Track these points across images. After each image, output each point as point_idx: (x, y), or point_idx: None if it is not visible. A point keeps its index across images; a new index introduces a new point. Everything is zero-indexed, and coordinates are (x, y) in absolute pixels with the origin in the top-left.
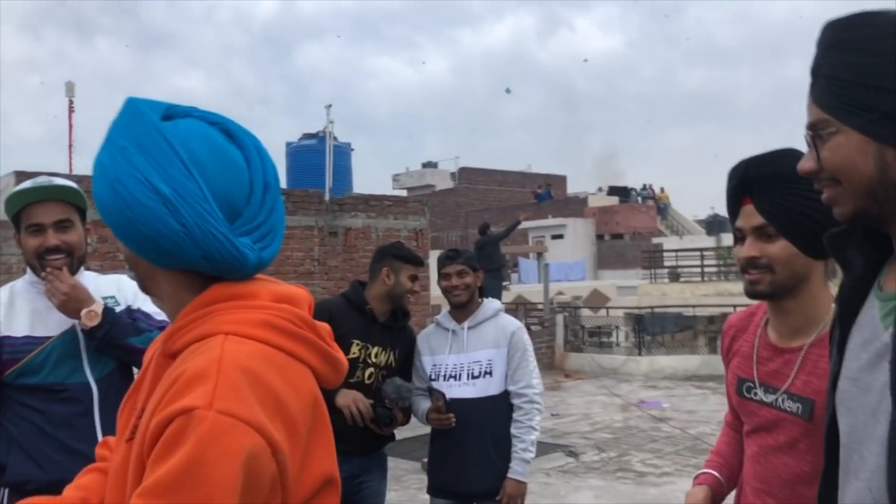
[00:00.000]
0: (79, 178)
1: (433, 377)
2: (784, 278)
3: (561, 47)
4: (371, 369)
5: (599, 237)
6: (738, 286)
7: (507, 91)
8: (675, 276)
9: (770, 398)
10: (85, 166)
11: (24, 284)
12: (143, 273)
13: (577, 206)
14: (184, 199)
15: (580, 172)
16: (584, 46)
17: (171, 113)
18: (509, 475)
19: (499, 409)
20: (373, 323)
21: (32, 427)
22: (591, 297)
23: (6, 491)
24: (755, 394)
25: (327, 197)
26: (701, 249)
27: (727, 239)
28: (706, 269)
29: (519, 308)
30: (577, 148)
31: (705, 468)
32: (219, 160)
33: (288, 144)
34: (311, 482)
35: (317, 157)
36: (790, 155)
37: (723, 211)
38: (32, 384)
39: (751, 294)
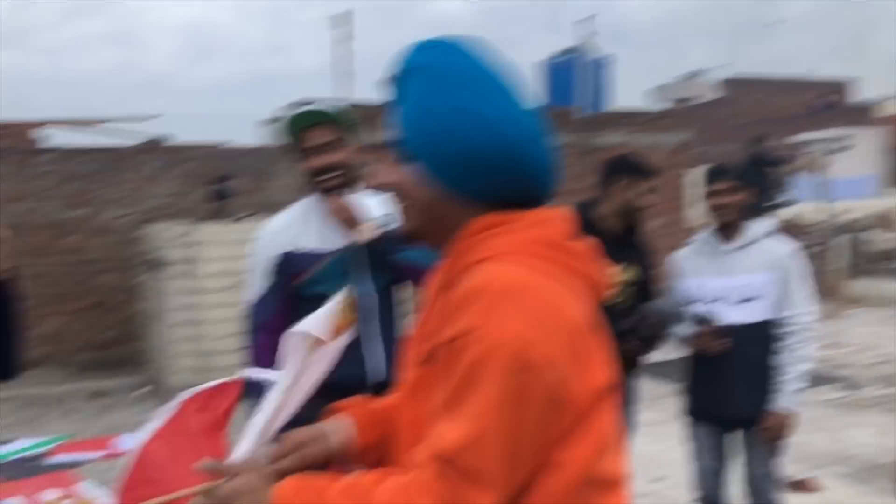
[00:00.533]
0: (353, 105)
1: (697, 298)
2: None
3: None
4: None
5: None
6: None
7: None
8: None
9: None
10: (362, 93)
11: (312, 202)
12: (443, 213)
13: (865, 114)
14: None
15: (874, 75)
16: None
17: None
18: (774, 406)
19: (768, 335)
20: (610, 241)
21: None
22: (881, 217)
23: None
24: None
25: (583, 113)
26: None
27: None
28: None
29: (793, 229)
30: (871, 46)
31: None
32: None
33: (546, 60)
34: (591, 390)
35: (571, 72)
36: None
37: None
38: (319, 293)
39: None
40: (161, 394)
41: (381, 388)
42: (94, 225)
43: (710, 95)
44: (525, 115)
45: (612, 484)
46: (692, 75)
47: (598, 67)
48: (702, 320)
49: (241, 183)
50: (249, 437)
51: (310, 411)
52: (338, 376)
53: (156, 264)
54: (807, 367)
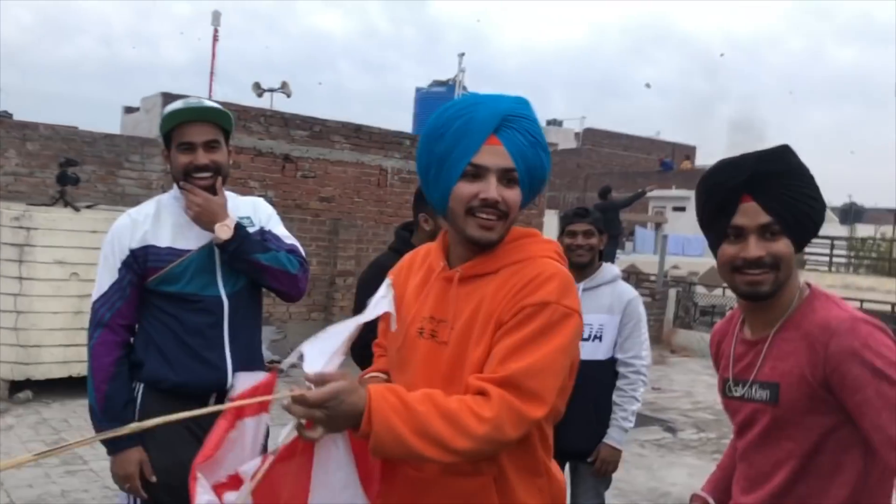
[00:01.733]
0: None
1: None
2: (785, 276)
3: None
4: None
5: None
6: (868, 280)
7: (647, 86)
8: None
9: (742, 391)
10: (223, 94)
11: (170, 199)
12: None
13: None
14: None
15: (712, 145)
16: (730, 15)
17: None
18: (606, 440)
19: (603, 374)
20: None
21: (169, 332)
22: (707, 275)
23: (141, 386)
24: (734, 391)
25: None
26: (832, 238)
27: (863, 230)
28: (835, 260)
29: (631, 277)
30: (710, 118)
31: (702, 488)
32: None
33: (417, 90)
34: (576, 364)
35: (445, 103)
36: (792, 152)
37: (861, 199)
38: (171, 292)
39: (752, 295)
40: None
41: (225, 394)
42: None
43: (566, 144)
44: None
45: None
46: (551, 122)
47: None
48: None
49: (87, 170)
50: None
51: (160, 413)
52: (185, 381)
53: None
54: (636, 407)
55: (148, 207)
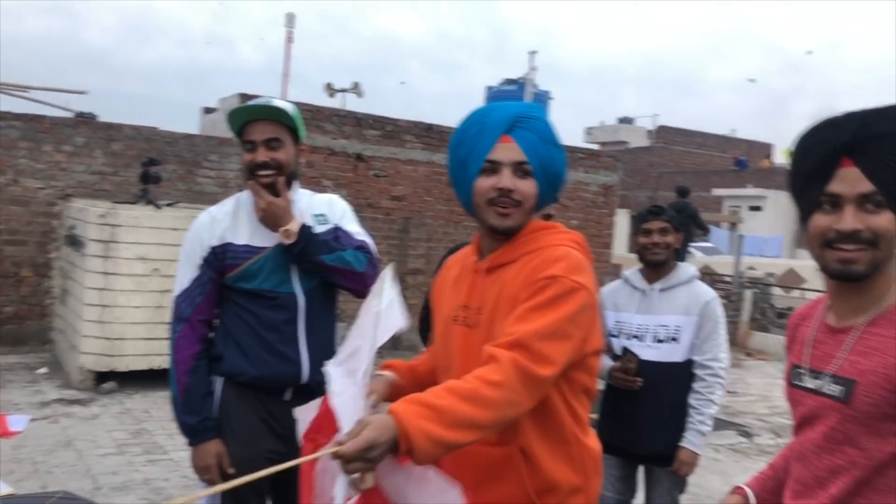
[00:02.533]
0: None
1: (614, 333)
2: (884, 256)
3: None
4: None
5: None
6: None
7: (751, 80)
8: None
9: (815, 383)
10: (297, 95)
11: (248, 196)
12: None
13: (781, 177)
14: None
15: (789, 142)
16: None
17: None
18: (683, 444)
19: (680, 376)
20: None
21: (247, 327)
22: (785, 276)
23: (220, 379)
24: (803, 380)
25: None
26: None
27: None
28: None
29: (705, 278)
30: (788, 116)
31: (746, 482)
32: None
33: (488, 88)
34: (596, 344)
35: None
36: None
37: None
38: (249, 289)
39: (843, 275)
40: (60, 376)
41: (303, 389)
42: (9, 194)
43: (638, 142)
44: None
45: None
46: (623, 120)
47: (538, 101)
48: (625, 355)
49: (168, 169)
50: (349, 412)
51: (238, 406)
52: (262, 374)
53: (71, 242)
54: (713, 411)
55: (227, 205)
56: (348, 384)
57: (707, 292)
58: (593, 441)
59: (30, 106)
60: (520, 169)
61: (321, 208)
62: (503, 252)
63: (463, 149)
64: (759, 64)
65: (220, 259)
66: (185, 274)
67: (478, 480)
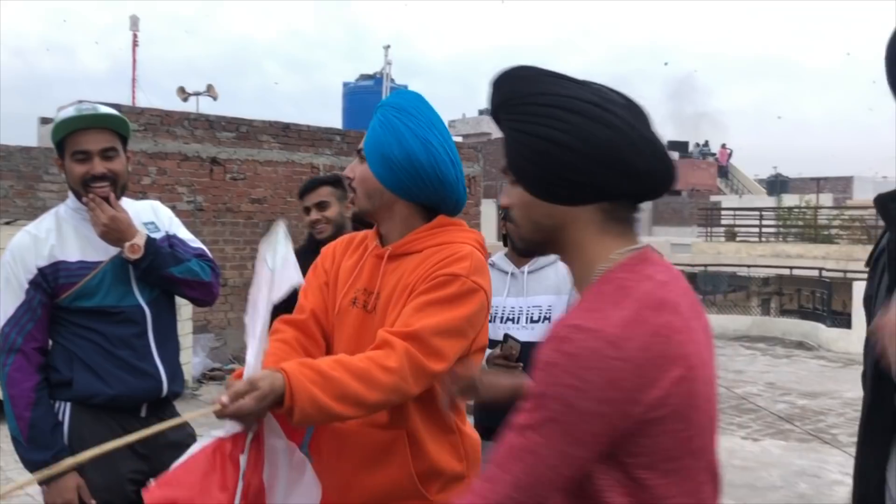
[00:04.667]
0: (140, 111)
1: (490, 319)
2: None
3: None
4: None
5: None
6: (796, 248)
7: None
8: (731, 235)
9: None
10: (147, 100)
11: (68, 210)
12: (383, 203)
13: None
14: (452, 154)
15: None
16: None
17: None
18: None
19: None
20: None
21: (94, 346)
22: None
23: (68, 405)
24: None
25: None
26: (760, 209)
27: (788, 199)
28: (764, 230)
29: None
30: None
31: None
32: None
33: (345, 85)
34: (483, 341)
35: (373, 98)
36: None
37: (785, 171)
38: (89, 307)
39: None
40: None
41: (159, 403)
42: None
43: (498, 133)
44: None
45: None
46: (484, 112)
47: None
48: (506, 341)
49: (5, 186)
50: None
51: (94, 429)
52: (121, 393)
53: None
54: None
55: (47, 222)
56: (251, 344)
57: None
58: (472, 431)
59: None
60: (357, 155)
61: (147, 216)
62: (408, 241)
63: None
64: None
65: (50, 280)
66: (8, 301)
67: (364, 462)
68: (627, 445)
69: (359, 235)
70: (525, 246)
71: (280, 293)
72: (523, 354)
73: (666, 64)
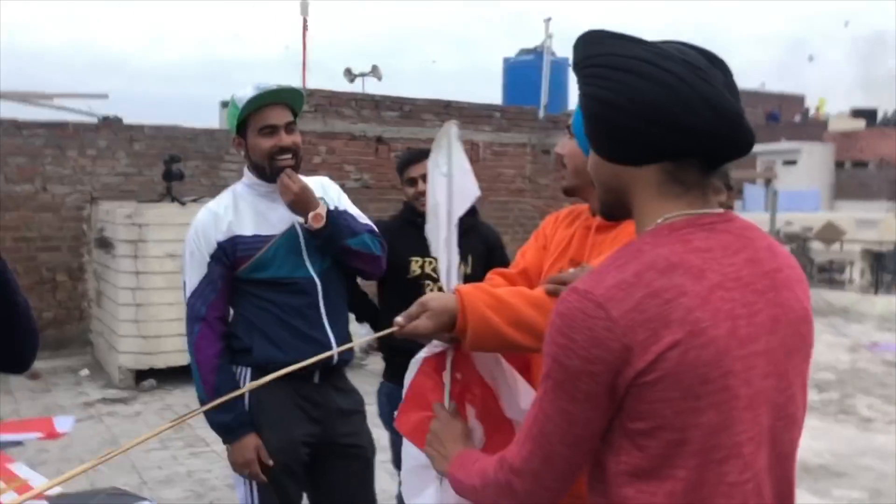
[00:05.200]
0: (310, 92)
1: None
2: None
3: None
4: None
5: (839, 164)
6: None
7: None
8: None
9: None
10: (316, 82)
11: (244, 187)
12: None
13: (815, 129)
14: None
15: (819, 92)
16: None
17: None
18: None
19: None
20: None
21: (270, 315)
22: (823, 230)
23: (248, 370)
24: None
25: (542, 114)
26: None
27: None
28: None
29: None
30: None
31: None
32: None
33: (505, 60)
34: None
35: (534, 72)
36: None
37: None
38: (264, 278)
39: None
40: (101, 377)
41: (331, 370)
42: (39, 201)
43: None
44: None
45: None
46: None
47: (557, 69)
48: None
49: (191, 166)
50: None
51: (271, 393)
52: (293, 359)
53: (102, 244)
54: None
55: (225, 199)
56: (441, 258)
57: None
58: None
59: (55, 114)
60: (567, 131)
61: (317, 191)
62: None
63: None
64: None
65: (229, 253)
66: (193, 274)
67: None
68: (628, 409)
69: (578, 208)
70: (602, 209)
71: (462, 206)
72: None
73: (846, 24)
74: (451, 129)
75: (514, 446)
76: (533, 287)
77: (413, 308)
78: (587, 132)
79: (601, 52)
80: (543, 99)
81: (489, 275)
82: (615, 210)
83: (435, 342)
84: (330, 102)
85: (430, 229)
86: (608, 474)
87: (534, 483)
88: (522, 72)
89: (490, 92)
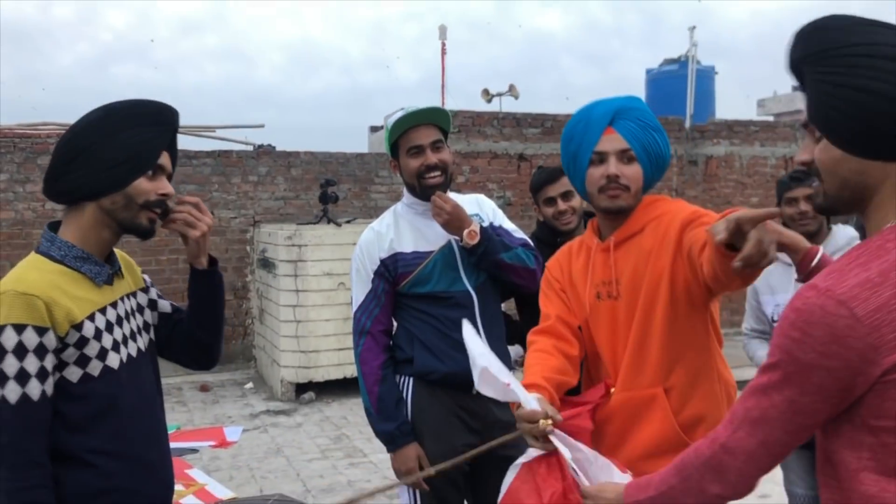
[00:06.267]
0: (454, 114)
1: (774, 319)
2: None
3: None
4: None
5: None
6: None
7: None
8: None
9: None
10: (455, 104)
11: (403, 207)
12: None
13: None
14: None
15: None
16: None
17: None
18: None
19: None
20: None
21: (430, 328)
22: None
23: (410, 380)
24: None
25: (688, 124)
26: None
27: None
28: None
29: None
30: None
31: None
32: None
33: (648, 72)
34: None
35: (678, 82)
36: None
37: None
38: (423, 293)
39: None
40: (264, 390)
41: None
42: None
43: None
44: None
45: None
46: (796, 89)
47: (702, 78)
48: None
49: (343, 188)
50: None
51: (432, 402)
52: (453, 370)
53: (264, 264)
54: None
55: (387, 218)
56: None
57: None
58: (728, 373)
59: (215, 144)
60: (625, 156)
61: (472, 208)
62: (627, 226)
63: (573, 145)
64: None
65: (391, 270)
66: (359, 290)
67: (628, 422)
68: (870, 405)
69: (575, 242)
70: (828, 203)
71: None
72: None
73: None
74: (467, 328)
75: (726, 429)
76: (573, 330)
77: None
78: (831, 125)
79: (857, 41)
80: (689, 108)
81: (530, 336)
82: (843, 206)
83: (531, 450)
84: (473, 122)
85: (484, 387)
86: (847, 470)
87: (747, 463)
88: (666, 82)
89: None
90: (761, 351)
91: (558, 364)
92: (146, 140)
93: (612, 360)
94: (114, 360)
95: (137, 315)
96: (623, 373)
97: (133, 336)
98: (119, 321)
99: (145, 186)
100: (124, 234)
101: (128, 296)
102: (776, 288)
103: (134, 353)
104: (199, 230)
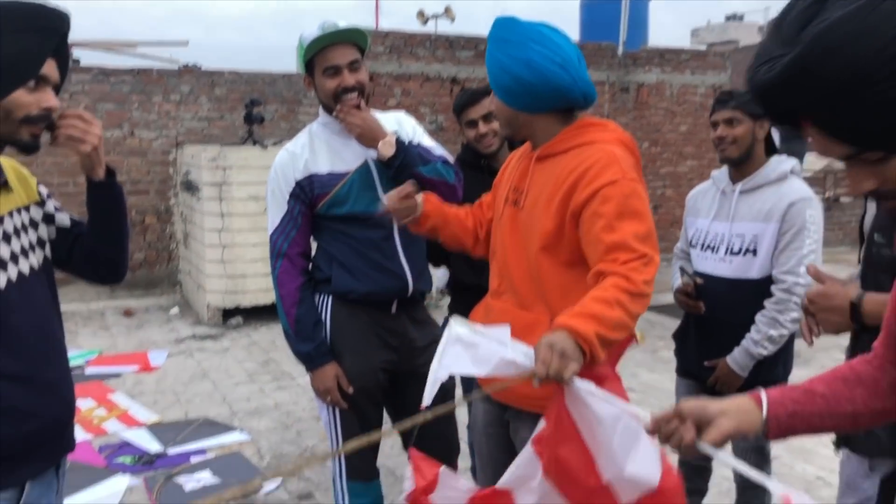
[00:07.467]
0: (385, 34)
1: (692, 244)
2: None
3: None
4: None
5: None
6: None
7: None
8: None
9: None
10: (389, 25)
11: (319, 126)
12: (520, 123)
13: None
14: (561, 58)
15: None
16: None
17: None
18: (727, 359)
19: (757, 296)
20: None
21: (348, 249)
22: None
23: (329, 298)
24: None
25: (620, 51)
26: None
27: None
28: None
29: (828, 177)
30: None
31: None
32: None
33: None
34: None
35: (612, 8)
36: None
37: None
38: (341, 214)
39: None
40: (190, 315)
41: (407, 301)
42: (127, 146)
43: (749, 40)
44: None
45: None
46: (731, 18)
47: (636, 4)
48: (683, 275)
49: (270, 110)
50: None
51: (351, 322)
52: (371, 290)
53: (188, 187)
54: (778, 333)
55: (302, 139)
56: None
57: (795, 191)
58: None
59: (139, 62)
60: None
61: (391, 126)
62: (552, 144)
63: None
64: None
65: (307, 191)
66: (275, 212)
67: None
68: None
69: (526, 145)
70: None
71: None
72: (716, 291)
73: None
74: (453, 323)
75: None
76: (486, 217)
77: (541, 351)
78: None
79: (875, 45)
80: (622, 35)
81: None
82: None
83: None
84: (405, 43)
85: (476, 370)
86: None
87: None
88: (600, 8)
89: (565, 30)
90: (677, 278)
91: (463, 211)
92: (25, 48)
93: (502, 262)
94: (0, 280)
95: (30, 230)
96: (518, 285)
97: (25, 252)
98: (6, 237)
99: (25, 99)
100: (5, 147)
101: (17, 210)
102: (700, 212)
103: (26, 271)
104: (90, 143)
